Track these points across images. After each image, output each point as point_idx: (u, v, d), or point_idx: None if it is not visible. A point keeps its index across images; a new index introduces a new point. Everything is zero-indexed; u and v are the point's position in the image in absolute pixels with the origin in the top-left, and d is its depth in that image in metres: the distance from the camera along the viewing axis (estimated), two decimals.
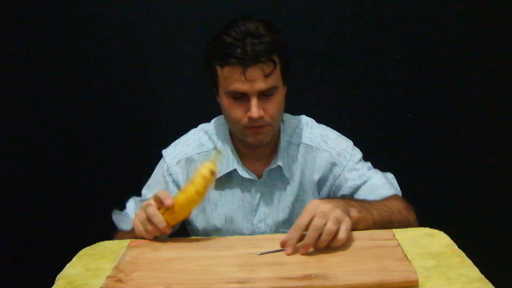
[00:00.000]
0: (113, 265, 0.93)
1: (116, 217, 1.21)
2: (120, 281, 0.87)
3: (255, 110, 1.11)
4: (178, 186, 1.25)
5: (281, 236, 0.96)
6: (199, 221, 1.27)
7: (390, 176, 1.28)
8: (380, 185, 1.22)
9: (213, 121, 1.31)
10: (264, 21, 1.12)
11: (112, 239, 1.11)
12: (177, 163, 1.26)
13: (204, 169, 1.01)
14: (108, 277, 0.89)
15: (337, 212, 0.93)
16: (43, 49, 1.69)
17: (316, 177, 1.25)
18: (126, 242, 1.04)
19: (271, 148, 1.25)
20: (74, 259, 0.99)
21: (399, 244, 0.94)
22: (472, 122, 1.75)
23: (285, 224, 1.24)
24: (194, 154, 1.26)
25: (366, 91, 1.73)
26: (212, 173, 1.01)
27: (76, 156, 1.78)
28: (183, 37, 1.67)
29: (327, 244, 0.92)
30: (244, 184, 1.24)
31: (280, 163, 1.23)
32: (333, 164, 1.24)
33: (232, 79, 1.10)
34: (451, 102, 1.74)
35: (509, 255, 1.81)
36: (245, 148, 1.24)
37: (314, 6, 1.66)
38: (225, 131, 1.26)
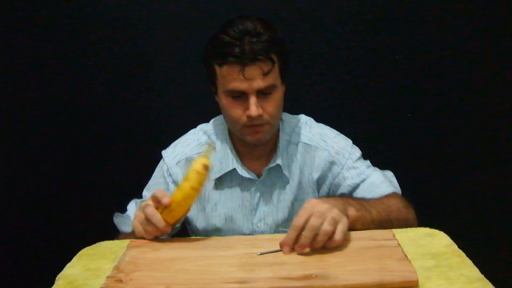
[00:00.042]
0: (113, 265, 0.93)
1: (118, 220, 1.22)
2: (120, 281, 0.87)
3: (253, 108, 1.11)
4: None
5: (281, 236, 0.96)
6: (199, 221, 1.27)
7: (390, 174, 1.28)
8: (379, 183, 1.22)
9: (212, 121, 1.32)
10: (262, 20, 1.13)
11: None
12: (176, 164, 1.26)
13: (197, 164, 1.01)
14: (108, 277, 0.89)
15: (334, 212, 0.93)
16: (43, 49, 1.69)
17: (315, 176, 1.25)
18: (126, 242, 1.04)
19: (270, 147, 1.25)
20: (74, 259, 0.99)
21: (399, 244, 0.94)
22: (472, 122, 1.75)
23: (285, 223, 1.24)
24: (194, 154, 1.26)
25: (366, 90, 1.73)
26: (206, 167, 1.00)
27: (75, 156, 1.78)
28: (183, 38, 1.67)
29: (323, 245, 0.92)
30: (244, 184, 1.25)
31: (279, 161, 1.23)
32: (332, 163, 1.25)
33: (231, 77, 1.10)
34: (451, 102, 1.74)
35: (509, 255, 1.81)
36: (244, 148, 1.24)
37: (314, 6, 1.66)
38: (224, 131, 1.27)
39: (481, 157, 1.78)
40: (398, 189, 1.23)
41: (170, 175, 1.26)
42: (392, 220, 1.08)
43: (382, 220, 1.06)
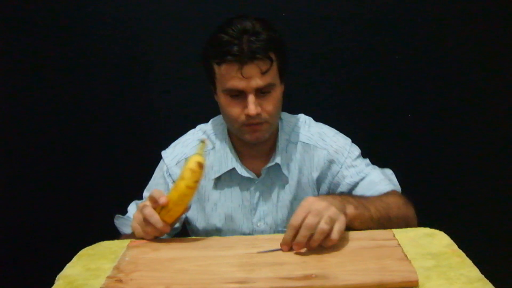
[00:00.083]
0: (113, 265, 0.93)
1: (118, 221, 1.21)
2: (120, 281, 0.87)
3: (252, 107, 1.11)
4: None
5: (281, 236, 0.95)
6: (199, 221, 1.27)
7: (389, 172, 1.28)
8: (378, 181, 1.22)
9: (211, 121, 1.32)
10: (261, 19, 1.13)
11: None
12: (176, 164, 1.26)
13: (191, 163, 1.01)
14: (108, 277, 0.88)
15: (332, 211, 0.92)
16: (43, 50, 1.69)
17: (315, 175, 1.26)
18: (126, 242, 1.04)
19: (270, 146, 1.25)
20: (74, 259, 0.99)
21: (399, 244, 0.94)
22: (472, 122, 1.75)
23: (285, 222, 1.24)
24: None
25: (366, 90, 1.73)
26: (200, 165, 1.00)
27: (75, 156, 1.78)
28: (183, 38, 1.67)
29: (320, 243, 0.92)
30: (243, 183, 1.25)
31: (278, 161, 1.23)
32: (331, 162, 1.25)
33: (229, 76, 1.11)
34: (451, 102, 1.74)
35: (509, 255, 1.81)
36: (243, 147, 1.24)
37: (314, 6, 1.66)
38: (223, 130, 1.27)
39: (481, 157, 1.78)
40: (397, 187, 1.23)
41: (170, 175, 1.26)
42: (392, 218, 1.08)
43: (381, 218, 1.06)
